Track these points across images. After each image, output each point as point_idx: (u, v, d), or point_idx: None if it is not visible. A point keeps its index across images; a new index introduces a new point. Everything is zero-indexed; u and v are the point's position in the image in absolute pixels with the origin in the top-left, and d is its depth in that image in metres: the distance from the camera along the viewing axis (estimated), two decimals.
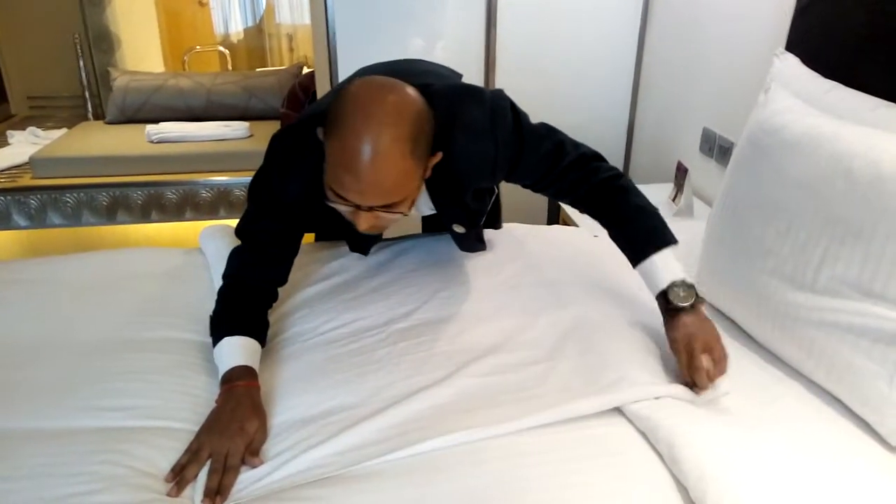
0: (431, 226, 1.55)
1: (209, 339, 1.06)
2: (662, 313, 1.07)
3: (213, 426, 0.91)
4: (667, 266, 1.06)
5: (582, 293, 1.25)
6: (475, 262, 1.38)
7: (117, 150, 2.89)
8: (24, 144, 3.13)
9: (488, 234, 1.48)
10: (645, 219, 1.12)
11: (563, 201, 1.22)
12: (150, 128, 3.01)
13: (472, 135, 1.04)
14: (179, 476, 0.85)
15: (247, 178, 2.41)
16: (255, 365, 1.02)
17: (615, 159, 2.48)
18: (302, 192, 1.06)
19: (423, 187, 1.04)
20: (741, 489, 0.79)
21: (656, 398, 0.95)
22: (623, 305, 1.22)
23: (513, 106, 1.09)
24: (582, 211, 1.18)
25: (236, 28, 4.58)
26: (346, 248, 1.39)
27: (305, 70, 3.51)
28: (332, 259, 1.39)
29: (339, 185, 0.91)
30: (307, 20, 4.31)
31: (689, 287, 1.04)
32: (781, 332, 1.06)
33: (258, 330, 1.07)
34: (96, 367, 1.03)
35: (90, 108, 3.74)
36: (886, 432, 0.91)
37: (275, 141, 1.09)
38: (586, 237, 1.55)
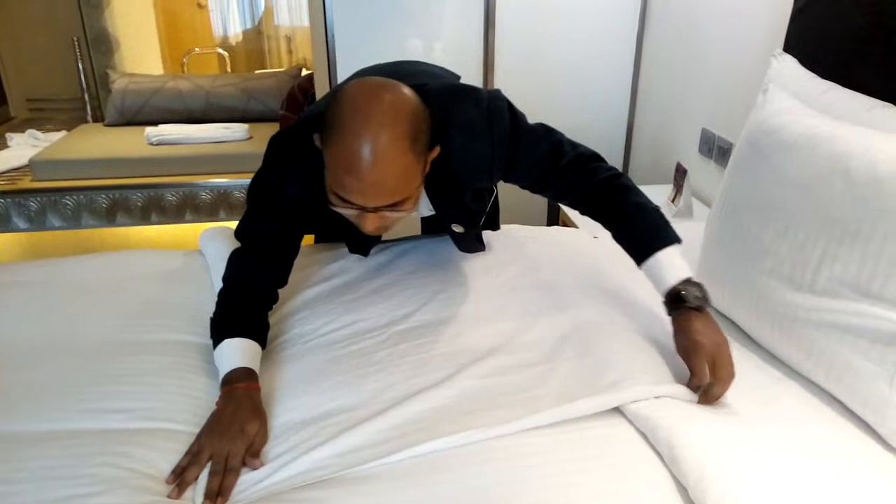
0: (431, 227, 1.56)
1: (209, 341, 1.06)
2: (669, 313, 1.05)
3: (214, 428, 0.91)
4: (673, 264, 1.05)
5: (582, 295, 1.25)
6: (475, 264, 1.38)
7: (117, 152, 2.90)
8: (24, 147, 3.13)
9: (488, 235, 1.48)
10: (647, 217, 1.11)
11: (562, 202, 1.22)
12: (149, 130, 3.01)
13: (469, 134, 1.04)
14: (180, 478, 0.85)
15: (246, 179, 2.41)
16: (256, 367, 1.02)
17: (614, 160, 2.48)
18: (301, 194, 1.07)
19: (422, 188, 1.05)
20: (741, 489, 0.79)
21: (656, 398, 0.95)
22: (623, 307, 1.22)
23: (510, 106, 1.09)
24: (582, 212, 1.17)
25: (235, 30, 4.59)
26: (346, 249, 1.39)
27: (304, 72, 3.51)
28: (332, 261, 1.39)
29: (342, 188, 0.91)
30: (306, 22, 4.31)
31: (700, 286, 1.03)
32: (780, 333, 1.06)
33: (258, 331, 1.07)
34: (96, 369, 1.03)
35: (89, 111, 3.75)
36: (887, 433, 0.91)
37: (273, 143, 1.09)
38: (586, 238, 1.56)
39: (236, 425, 0.90)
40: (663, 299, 1.06)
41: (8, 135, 3.25)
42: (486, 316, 1.19)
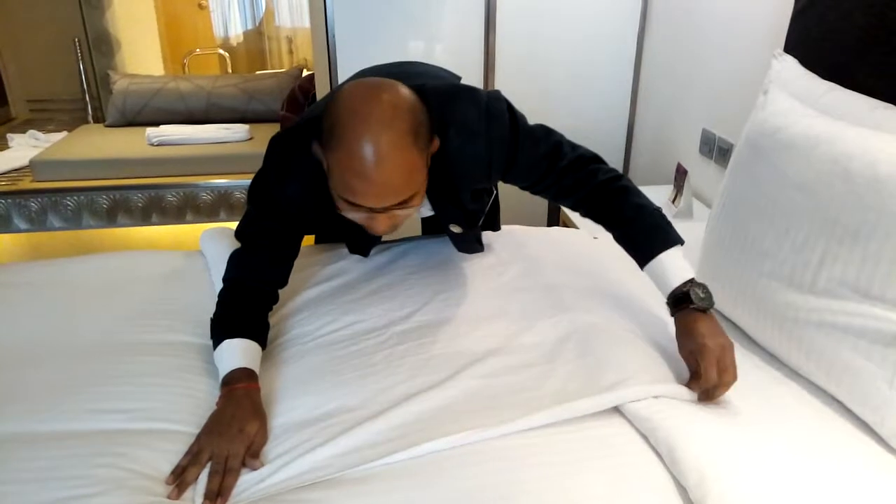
0: (431, 228, 1.56)
1: (210, 342, 1.06)
2: (673, 314, 1.05)
3: (214, 428, 0.91)
4: (676, 265, 1.05)
5: (582, 296, 1.25)
6: (475, 265, 1.38)
7: (117, 152, 2.90)
8: (25, 147, 3.13)
9: (488, 236, 1.48)
10: (648, 218, 1.11)
11: (563, 204, 1.21)
12: (150, 131, 3.01)
13: (467, 134, 1.04)
14: (180, 478, 0.85)
15: (247, 180, 2.41)
16: (256, 367, 1.02)
17: (615, 161, 2.48)
18: (301, 194, 1.07)
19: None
20: (742, 490, 0.80)
21: (655, 398, 0.95)
22: (623, 307, 1.22)
23: (509, 107, 1.09)
24: (583, 214, 1.17)
25: (236, 31, 4.60)
26: (346, 250, 1.39)
27: (305, 72, 3.51)
28: (333, 261, 1.39)
29: (351, 193, 0.91)
30: (306, 23, 4.32)
31: (704, 287, 1.03)
32: (781, 333, 1.06)
33: (258, 332, 1.07)
34: (96, 370, 1.03)
35: (90, 111, 3.75)
36: (887, 433, 0.91)
37: (273, 143, 1.09)
38: (586, 239, 1.56)
39: (236, 425, 0.90)
40: (667, 301, 1.06)
41: (9, 135, 3.26)
42: (486, 316, 1.19)
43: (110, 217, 2.78)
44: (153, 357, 1.08)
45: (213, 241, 1.40)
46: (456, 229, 1.23)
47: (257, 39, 4.60)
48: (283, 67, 4.41)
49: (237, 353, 1.01)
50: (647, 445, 0.90)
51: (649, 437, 0.90)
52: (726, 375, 0.95)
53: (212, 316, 1.08)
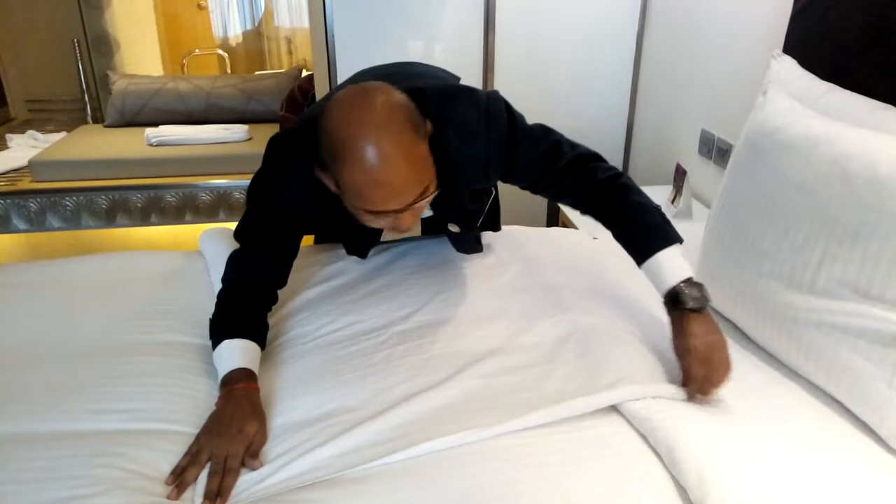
0: (430, 228, 1.56)
1: (209, 342, 1.06)
2: (669, 313, 1.05)
3: (213, 429, 0.91)
4: (673, 264, 1.05)
5: (582, 296, 1.25)
6: (474, 265, 1.38)
7: (117, 153, 2.90)
8: (24, 148, 3.13)
9: (487, 236, 1.48)
10: (647, 216, 1.10)
11: (563, 202, 1.22)
12: (149, 131, 3.01)
13: (466, 134, 1.04)
14: (179, 479, 0.85)
15: (246, 180, 2.41)
16: (255, 367, 1.02)
17: (614, 161, 2.46)
18: (300, 195, 1.06)
19: None
20: (742, 491, 0.80)
21: (654, 398, 0.95)
22: (623, 308, 1.22)
23: (508, 107, 1.09)
24: (583, 212, 1.17)
25: (235, 31, 4.59)
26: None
27: (304, 73, 3.51)
28: (332, 261, 1.39)
29: (371, 203, 0.91)
30: (306, 23, 4.32)
31: (699, 286, 1.03)
32: (780, 333, 1.06)
33: (258, 332, 1.07)
34: (96, 370, 1.03)
35: (89, 112, 3.75)
36: (887, 434, 0.91)
37: (273, 144, 1.09)
38: (586, 240, 1.56)
39: (235, 426, 0.90)
40: (663, 299, 1.06)
41: (8, 136, 3.26)
42: (486, 317, 1.19)
43: (109, 217, 2.78)
44: (153, 357, 1.07)
45: (213, 241, 1.40)
46: (454, 229, 1.23)
47: (256, 40, 4.60)
48: (282, 68, 4.40)
49: (236, 353, 1.01)
50: (645, 445, 0.90)
51: (649, 437, 0.90)
52: (713, 374, 0.96)
53: (211, 316, 1.08)
